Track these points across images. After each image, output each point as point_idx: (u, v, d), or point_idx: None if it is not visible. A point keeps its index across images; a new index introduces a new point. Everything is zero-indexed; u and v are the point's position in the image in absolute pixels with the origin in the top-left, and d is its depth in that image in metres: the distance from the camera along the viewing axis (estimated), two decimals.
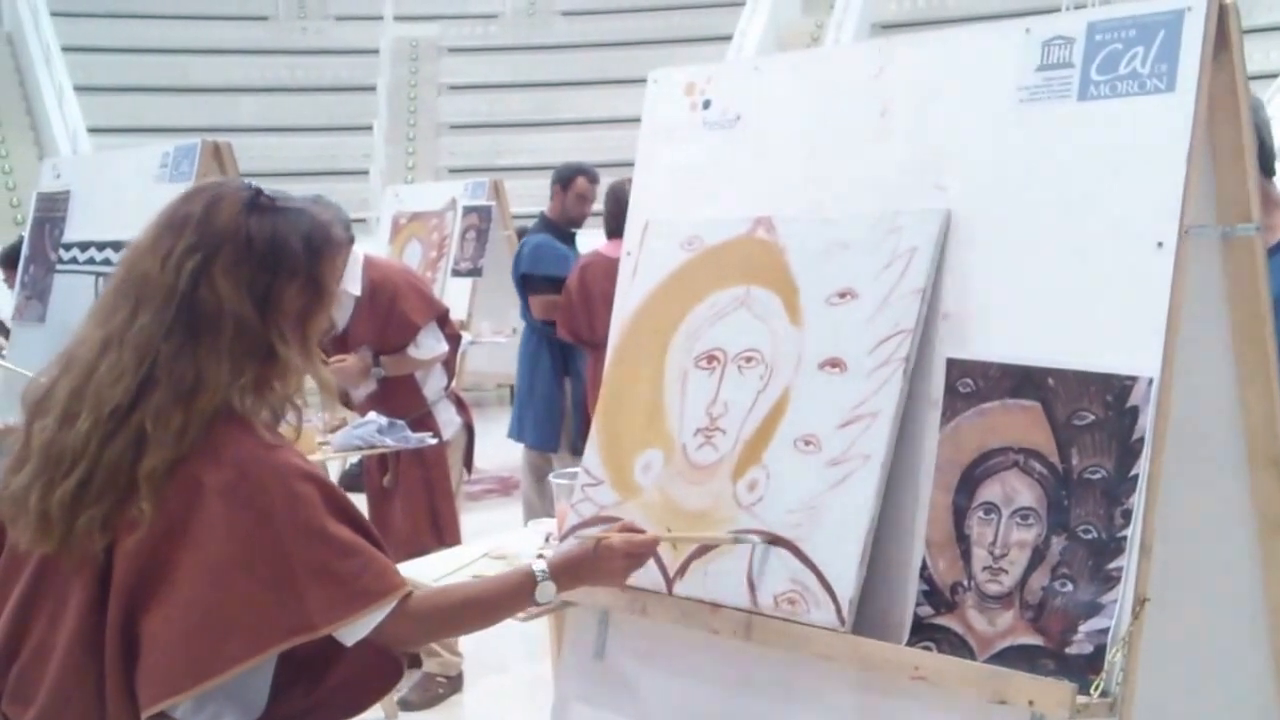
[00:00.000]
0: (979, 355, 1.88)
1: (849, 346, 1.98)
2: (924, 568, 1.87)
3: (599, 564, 1.90)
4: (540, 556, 1.91)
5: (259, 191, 1.73)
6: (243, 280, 1.65)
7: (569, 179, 5.67)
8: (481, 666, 4.53)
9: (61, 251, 4.12)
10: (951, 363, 1.90)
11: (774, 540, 1.97)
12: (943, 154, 1.99)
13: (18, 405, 3.51)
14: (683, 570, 2.07)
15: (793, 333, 2.07)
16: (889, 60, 2.09)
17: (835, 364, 1.99)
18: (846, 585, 1.87)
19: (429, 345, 4.41)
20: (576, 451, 5.51)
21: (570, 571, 1.87)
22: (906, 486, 1.92)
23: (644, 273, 2.35)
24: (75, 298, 3.98)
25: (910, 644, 1.85)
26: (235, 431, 1.64)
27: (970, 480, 1.84)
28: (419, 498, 4.39)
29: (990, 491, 1.82)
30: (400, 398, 4.38)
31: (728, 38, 15.10)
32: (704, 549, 2.04)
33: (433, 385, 4.53)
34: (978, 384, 1.86)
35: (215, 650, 1.57)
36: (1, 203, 13.57)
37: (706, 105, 2.36)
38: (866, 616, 1.88)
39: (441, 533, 4.44)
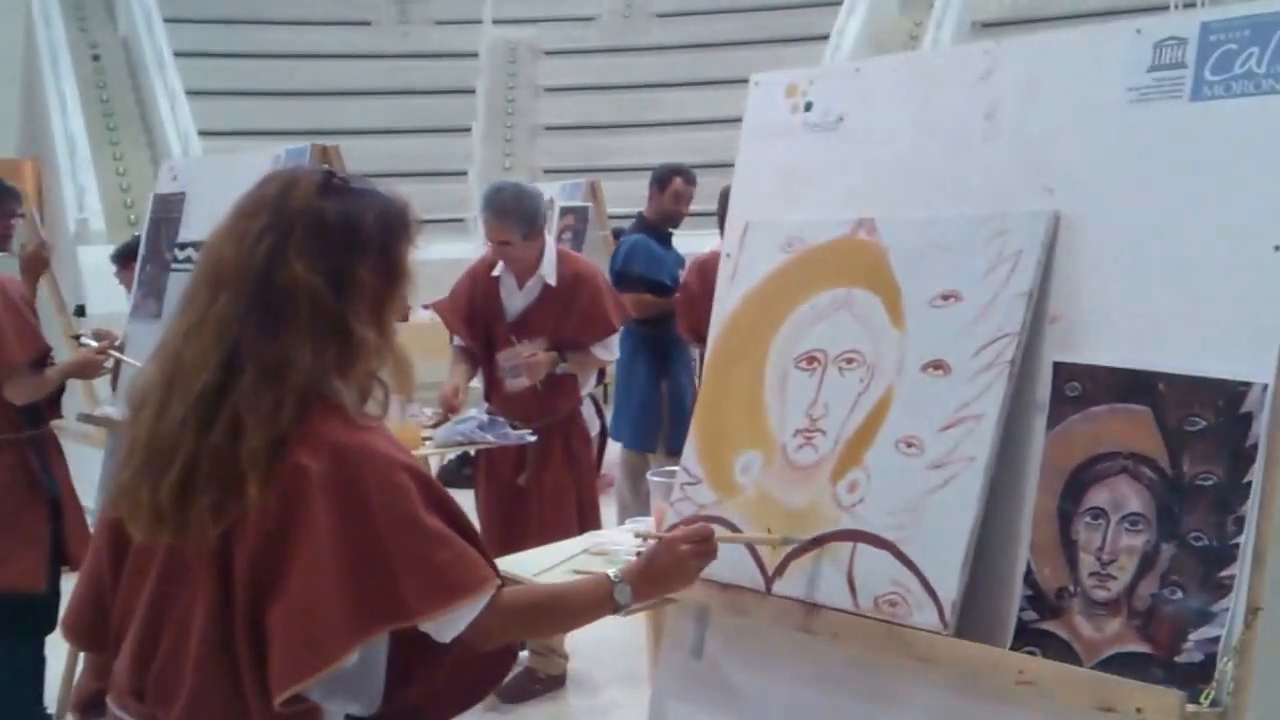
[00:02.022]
0: (1087, 359, 1.86)
1: (952, 349, 1.97)
2: (1028, 572, 1.86)
3: (664, 557, 1.88)
4: (640, 554, 1.93)
5: (332, 174, 1.75)
6: (316, 259, 1.66)
7: (666, 180, 5.70)
8: (579, 662, 4.57)
9: (176, 251, 4.24)
10: (1059, 366, 1.88)
11: (870, 540, 1.97)
12: (1050, 156, 1.97)
13: None
14: (782, 570, 2.08)
15: (895, 334, 2.06)
16: (996, 62, 2.08)
17: (938, 366, 1.99)
18: (949, 588, 1.86)
19: (613, 348, 4.44)
20: (673, 452, 5.52)
21: (641, 574, 1.87)
22: (1010, 490, 1.90)
23: (744, 274, 2.36)
24: None
25: (1014, 649, 1.83)
26: (328, 416, 1.66)
27: (1077, 485, 1.82)
28: (568, 498, 4.38)
29: (1098, 496, 1.80)
30: (563, 395, 4.38)
31: (824, 38, 15.00)
32: (805, 548, 2.05)
33: (587, 387, 4.56)
34: (1085, 388, 1.84)
35: (323, 638, 1.59)
36: (116, 203, 13.96)
37: (808, 107, 2.36)
38: (969, 620, 1.87)
39: (587, 529, 4.45)
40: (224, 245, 1.70)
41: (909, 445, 1.98)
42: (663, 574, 1.90)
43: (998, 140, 2.04)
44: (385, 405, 1.78)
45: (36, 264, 4.15)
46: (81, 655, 4.07)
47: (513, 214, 4.17)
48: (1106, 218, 1.89)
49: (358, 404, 1.71)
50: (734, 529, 2.18)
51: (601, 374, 4.71)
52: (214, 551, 1.64)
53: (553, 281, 4.28)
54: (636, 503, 5.65)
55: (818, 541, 2.03)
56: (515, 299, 4.34)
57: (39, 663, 3.87)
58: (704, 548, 1.92)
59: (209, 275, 1.70)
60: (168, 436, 1.64)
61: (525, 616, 1.78)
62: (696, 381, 5.92)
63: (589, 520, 4.38)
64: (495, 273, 4.37)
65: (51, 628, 3.88)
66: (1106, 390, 1.82)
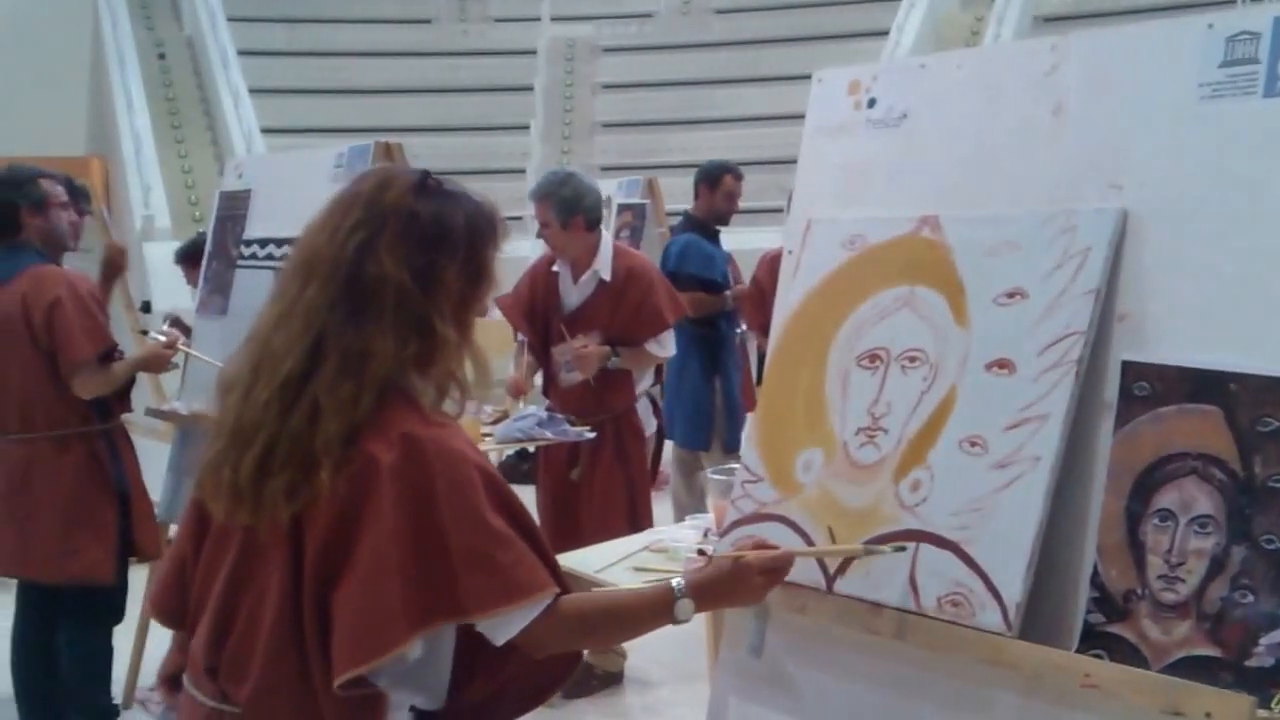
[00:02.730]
0: (1156, 358, 1.83)
1: (1018, 347, 1.95)
2: (1095, 574, 1.83)
3: (736, 583, 1.88)
4: (701, 551, 1.93)
5: (428, 174, 1.77)
6: (404, 256, 1.69)
7: (717, 177, 5.67)
8: (636, 658, 4.58)
9: (242, 248, 4.30)
10: (1127, 365, 1.86)
11: (933, 540, 1.95)
12: (1118, 152, 1.95)
13: (205, 393, 3.69)
14: (843, 568, 2.07)
15: (958, 333, 2.05)
16: (1062, 57, 2.05)
17: (1003, 365, 1.97)
18: (1014, 589, 1.85)
19: (667, 344, 4.44)
20: (729, 449, 5.52)
21: (708, 591, 1.86)
22: (1076, 491, 1.88)
23: (805, 271, 2.35)
24: (255, 292, 4.13)
25: (1080, 651, 1.81)
26: (404, 410, 1.69)
27: (1145, 486, 1.80)
28: (619, 495, 4.39)
29: (1167, 498, 1.77)
30: (617, 391, 4.40)
31: (883, 34, 14.90)
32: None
33: (643, 385, 4.57)
34: (1154, 387, 1.82)
35: (381, 627, 1.61)
36: (181, 200, 14.18)
37: (871, 104, 2.35)
38: (1033, 622, 1.85)
39: (638, 527, 4.46)
40: (317, 237, 1.74)
41: (973, 445, 1.96)
42: (729, 594, 1.90)
43: (1064, 136, 2.02)
44: (461, 404, 1.80)
45: (114, 270, 4.22)
46: (147, 646, 4.16)
47: (551, 196, 4.19)
48: (1176, 215, 1.86)
49: (435, 401, 1.74)
50: (794, 527, 2.17)
51: (658, 372, 4.69)
52: (287, 534, 1.67)
53: (607, 276, 4.29)
54: (691, 501, 5.66)
55: (900, 548, 1.99)
56: (571, 294, 4.36)
57: (107, 652, 3.94)
58: (781, 572, 1.92)
59: (301, 266, 1.74)
60: (251, 418, 1.69)
61: (581, 627, 1.76)
62: (752, 378, 5.92)
63: (641, 517, 4.39)
64: (555, 267, 4.40)
65: (119, 618, 3.96)
66: (1176, 390, 1.79)
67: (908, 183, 2.24)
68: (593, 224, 4.28)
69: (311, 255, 1.73)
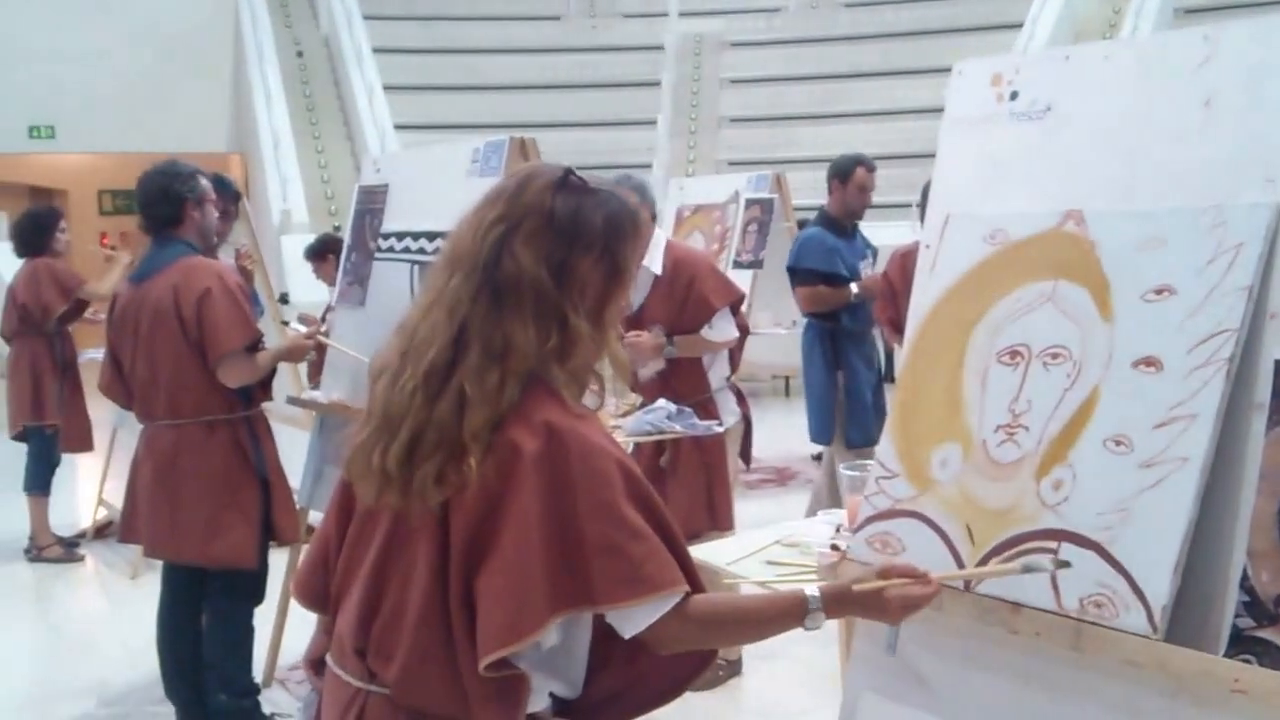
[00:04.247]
0: None
1: (1165, 345, 1.91)
2: (1244, 578, 1.79)
3: (873, 607, 1.84)
4: (835, 547, 1.91)
5: (570, 172, 1.81)
6: (540, 251, 1.73)
7: (848, 171, 5.60)
8: (761, 651, 4.57)
9: (380, 241, 4.40)
10: None
11: (1075, 540, 1.92)
12: (1273, 145, 1.89)
13: (343, 382, 3.77)
14: (981, 565, 2.05)
15: (1104, 329, 2.01)
16: (1215, 48, 2.00)
17: (1150, 363, 1.93)
18: (1160, 591, 1.81)
19: (722, 329, 4.48)
20: (851, 444, 5.48)
21: (843, 605, 1.83)
22: (1226, 492, 1.84)
23: (944, 266, 2.33)
24: (392, 284, 4.23)
25: (1228, 656, 1.77)
26: (546, 400, 1.72)
27: None
28: (696, 482, 4.46)
29: None
30: (686, 381, 4.46)
31: (1016, 26, 14.61)
32: (1005, 545, 2.01)
33: (716, 373, 4.61)
34: None
35: (521, 612, 1.65)
36: (317, 195, 14.55)
37: (1014, 96, 2.32)
38: (1179, 625, 1.81)
39: (716, 518, 4.51)
40: (463, 231, 1.79)
41: (1118, 444, 1.93)
42: (865, 613, 1.87)
43: (1216, 130, 1.97)
44: (601, 397, 1.84)
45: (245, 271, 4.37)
46: (286, 627, 4.28)
47: None
48: None
49: (575, 394, 1.78)
50: (931, 524, 2.16)
51: (733, 361, 4.70)
52: (435, 518, 1.72)
53: (658, 270, 4.35)
54: (832, 497, 5.61)
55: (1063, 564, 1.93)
56: (635, 292, 4.40)
57: (248, 632, 4.07)
58: (920, 607, 1.86)
59: (448, 258, 1.80)
60: (399, 405, 1.74)
61: (709, 626, 1.77)
62: (881, 373, 5.83)
63: (718, 504, 4.47)
64: None
65: (259, 600, 4.09)
66: None
67: (1051, 176, 2.20)
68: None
69: (457, 248, 1.79)
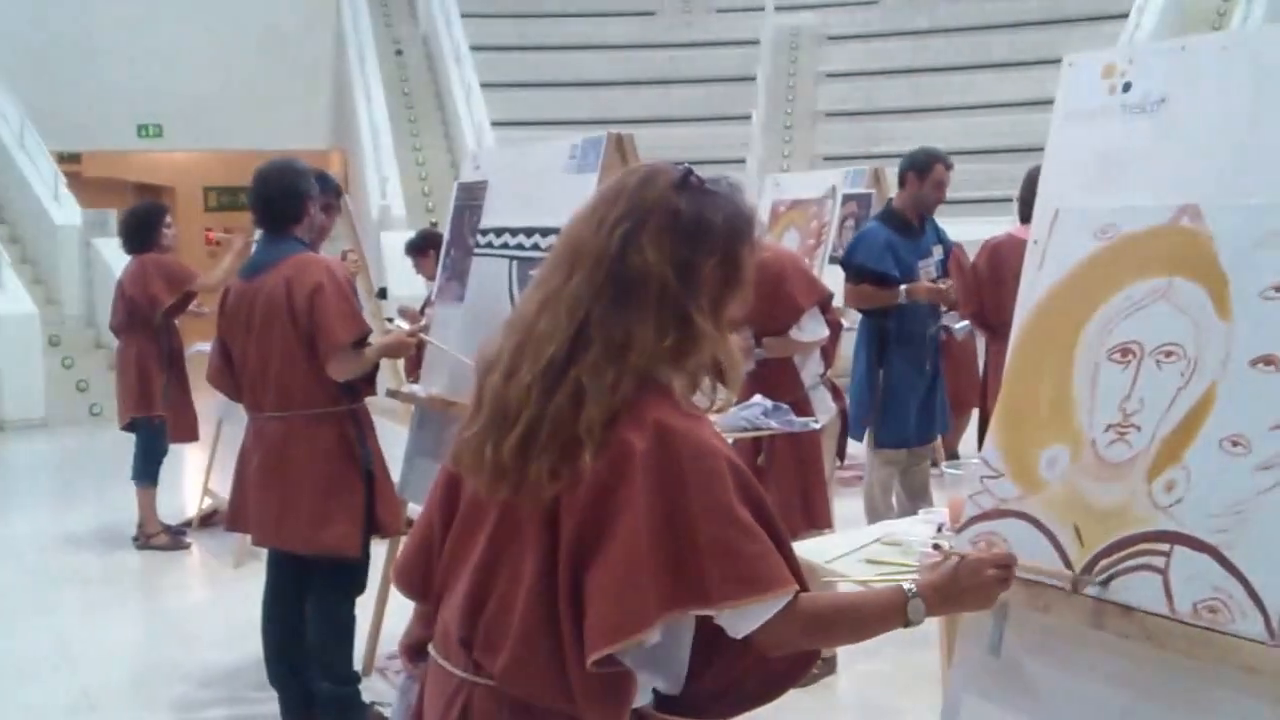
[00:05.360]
0: None
1: None
2: None
3: (969, 583, 1.84)
4: (937, 546, 1.89)
5: (690, 171, 1.81)
6: (665, 249, 1.74)
7: (928, 166, 5.44)
8: (857, 650, 4.53)
9: (479, 236, 4.43)
10: None
11: (1189, 543, 1.87)
12: None
13: (442, 377, 3.79)
14: (1090, 568, 2.01)
15: (1220, 327, 1.96)
16: None
17: (1269, 361, 1.87)
18: (1278, 596, 1.76)
19: (811, 329, 4.46)
20: (880, 444, 5.36)
21: (939, 591, 1.83)
22: None
23: (1052, 262, 2.29)
24: (490, 279, 4.26)
25: None
26: (659, 399, 1.73)
27: None
28: (791, 479, 4.46)
29: None
30: (779, 380, 4.45)
31: (1120, 17, 14.27)
32: (1115, 546, 1.97)
33: (810, 370, 4.58)
34: None
35: (630, 610, 1.65)
36: (414, 190, 14.73)
37: (1127, 88, 2.27)
38: None
39: (812, 516, 4.49)
40: (582, 228, 1.79)
41: (1234, 444, 1.88)
42: (962, 596, 1.86)
43: None
44: (712, 398, 1.84)
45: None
46: (385, 615, 4.34)
47: None
48: None
49: (687, 393, 1.78)
50: (1037, 524, 2.12)
51: (826, 357, 4.65)
52: (544, 512, 1.73)
53: None
54: (884, 500, 5.51)
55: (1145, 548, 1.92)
56: None
57: (350, 621, 4.13)
58: (1008, 574, 1.88)
59: (566, 255, 1.80)
60: (514, 399, 1.75)
61: (816, 625, 1.76)
62: (935, 376, 5.63)
63: (815, 501, 4.44)
64: None
65: (361, 590, 4.16)
66: None
67: (1165, 170, 2.15)
68: None
69: (577, 245, 1.78)
